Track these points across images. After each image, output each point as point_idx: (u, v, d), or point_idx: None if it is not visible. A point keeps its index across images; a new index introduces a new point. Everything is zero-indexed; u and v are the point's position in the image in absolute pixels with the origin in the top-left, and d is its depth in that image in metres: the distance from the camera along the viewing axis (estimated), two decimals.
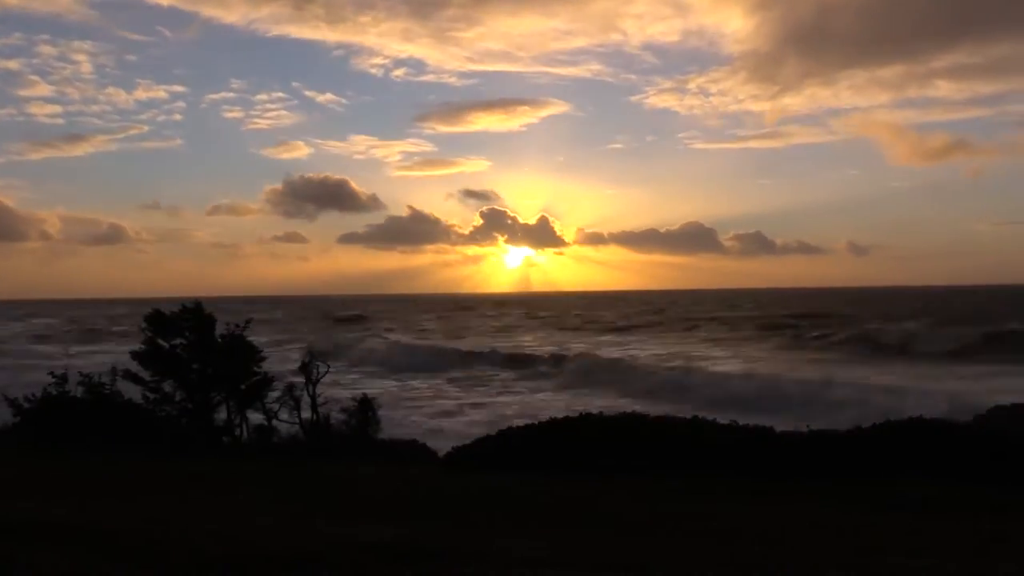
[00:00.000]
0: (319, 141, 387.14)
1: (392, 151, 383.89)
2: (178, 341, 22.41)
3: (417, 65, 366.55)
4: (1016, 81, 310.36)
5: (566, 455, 17.00)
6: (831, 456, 16.00)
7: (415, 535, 8.89)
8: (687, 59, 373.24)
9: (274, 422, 22.58)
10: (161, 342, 22.36)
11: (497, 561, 7.54)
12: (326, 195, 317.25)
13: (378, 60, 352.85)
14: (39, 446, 19.13)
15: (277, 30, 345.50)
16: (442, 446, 23.56)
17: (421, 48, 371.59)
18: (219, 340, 22.62)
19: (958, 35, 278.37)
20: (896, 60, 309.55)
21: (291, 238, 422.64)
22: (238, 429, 22.65)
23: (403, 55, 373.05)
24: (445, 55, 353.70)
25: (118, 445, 19.17)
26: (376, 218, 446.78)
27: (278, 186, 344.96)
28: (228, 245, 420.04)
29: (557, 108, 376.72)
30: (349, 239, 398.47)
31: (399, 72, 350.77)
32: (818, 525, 11.02)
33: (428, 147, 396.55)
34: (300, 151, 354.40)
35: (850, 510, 12.24)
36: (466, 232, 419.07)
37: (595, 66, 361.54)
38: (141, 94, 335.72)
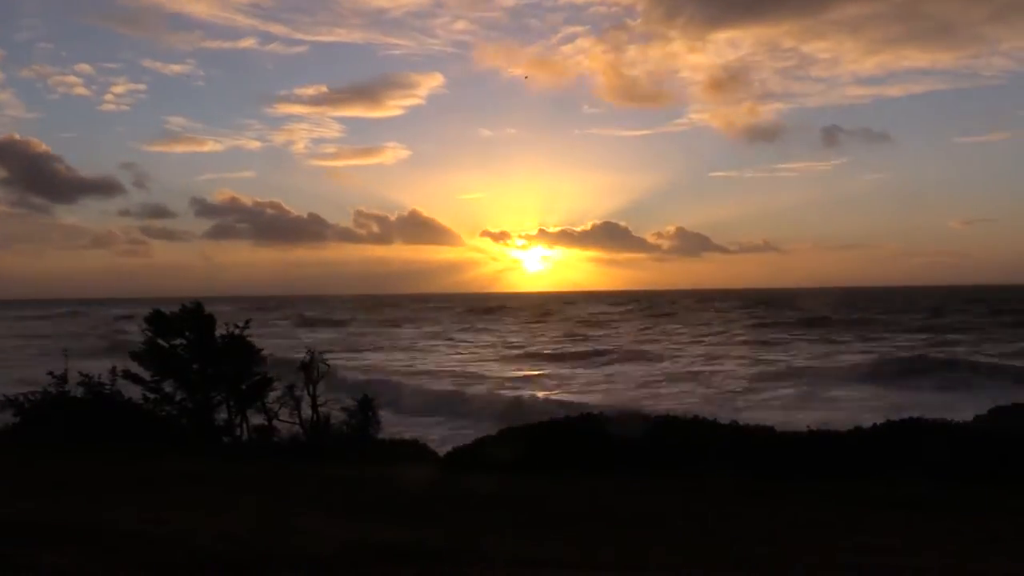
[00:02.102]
0: (186, 122, 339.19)
1: (296, 136, 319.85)
2: (178, 341, 22.41)
3: (209, 27, 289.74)
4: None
5: (567, 455, 17.01)
6: (831, 456, 16.00)
7: (415, 535, 8.89)
8: (549, 17, 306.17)
9: (274, 422, 22.56)
10: (161, 342, 22.35)
11: (498, 561, 7.55)
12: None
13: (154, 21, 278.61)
14: (39, 446, 19.11)
15: None
16: (443, 446, 23.61)
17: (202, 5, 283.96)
18: (219, 340, 22.62)
19: None
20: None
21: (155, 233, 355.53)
22: (238, 429, 22.63)
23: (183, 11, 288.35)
24: (242, 15, 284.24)
25: (118, 445, 19.16)
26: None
27: None
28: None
29: (429, 86, 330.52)
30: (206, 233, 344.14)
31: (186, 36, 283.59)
32: (818, 525, 11.02)
33: (336, 133, 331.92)
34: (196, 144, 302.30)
35: (850, 510, 12.23)
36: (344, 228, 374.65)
37: (454, 33, 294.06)
38: None
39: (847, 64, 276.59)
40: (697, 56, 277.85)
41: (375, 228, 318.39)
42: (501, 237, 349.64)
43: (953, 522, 11.19)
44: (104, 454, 18.27)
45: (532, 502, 12.87)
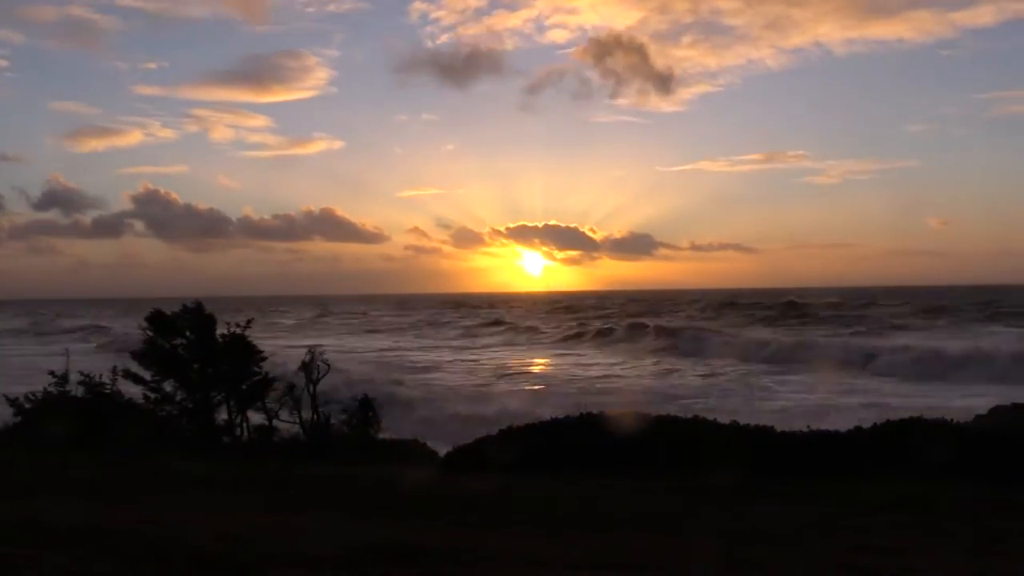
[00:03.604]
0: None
1: (221, 126, 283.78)
2: (178, 341, 22.42)
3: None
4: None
5: (566, 455, 17.01)
6: (831, 456, 16.00)
7: (415, 535, 8.90)
8: None
9: (274, 422, 22.57)
10: (161, 342, 22.37)
11: (497, 561, 7.56)
12: None
13: None
14: (39, 446, 19.12)
15: None
16: (442, 446, 23.59)
17: None
18: (220, 340, 22.63)
19: None
20: None
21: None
22: (238, 429, 22.64)
23: None
24: None
25: (118, 445, 19.17)
26: None
27: None
28: None
29: (314, 66, 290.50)
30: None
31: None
32: (818, 525, 11.01)
33: (265, 122, 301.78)
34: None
35: (850, 510, 12.23)
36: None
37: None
38: None
39: (759, 31, 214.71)
40: (561, 32, 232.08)
41: (275, 223, 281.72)
42: (426, 234, 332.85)
43: (953, 522, 11.19)
44: (104, 454, 18.28)
45: (532, 502, 12.87)
